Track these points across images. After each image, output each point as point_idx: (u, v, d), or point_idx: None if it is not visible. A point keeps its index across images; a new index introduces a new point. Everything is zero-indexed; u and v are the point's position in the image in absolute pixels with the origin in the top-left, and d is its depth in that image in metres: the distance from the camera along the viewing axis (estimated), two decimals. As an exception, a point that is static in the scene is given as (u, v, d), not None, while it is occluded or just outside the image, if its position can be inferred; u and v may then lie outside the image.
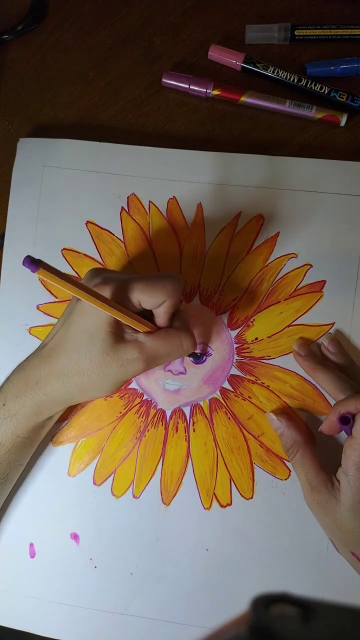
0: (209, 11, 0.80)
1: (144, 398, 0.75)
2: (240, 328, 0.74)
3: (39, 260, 0.47)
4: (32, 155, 0.78)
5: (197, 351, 0.74)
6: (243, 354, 0.74)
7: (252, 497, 0.73)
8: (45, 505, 0.75)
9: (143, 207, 0.76)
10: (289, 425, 0.70)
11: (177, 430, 0.74)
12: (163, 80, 0.78)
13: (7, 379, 0.68)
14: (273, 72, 0.76)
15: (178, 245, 0.76)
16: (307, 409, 0.73)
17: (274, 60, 0.77)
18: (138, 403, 0.75)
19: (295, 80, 0.76)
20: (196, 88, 0.77)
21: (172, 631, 0.71)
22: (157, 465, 0.74)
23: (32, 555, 0.74)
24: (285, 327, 0.74)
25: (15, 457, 0.69)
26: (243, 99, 0.76)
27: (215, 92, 0.77)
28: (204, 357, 0.74)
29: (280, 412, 0.73)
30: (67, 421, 0.75)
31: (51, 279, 0.49)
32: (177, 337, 0.64)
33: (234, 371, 0.74)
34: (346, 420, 0.64)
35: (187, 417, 0.74)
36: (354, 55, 0.77)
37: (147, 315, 0.64)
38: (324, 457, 0.68)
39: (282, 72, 0.76)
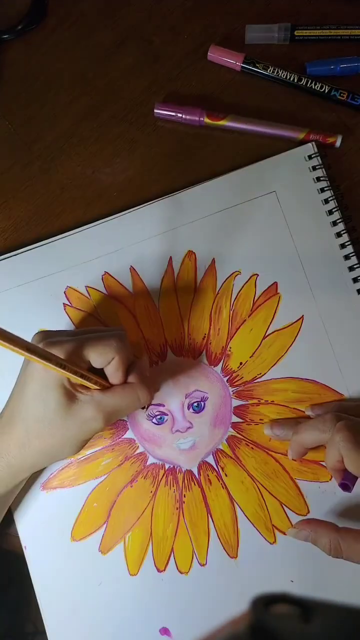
0: (209, 11, 0.81)
1: (167, 468, 0.74)
2: (222, 361, 0.74)
3: None
4: None
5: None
6: (236, 383, 0.74)
7: (308, 512, 0.72)
8: (121, 616, 0.72)
9: (82, 294, 0.76)
10: (314, 530, 0.65)
11: (211, 483, 0.73)
12: (155, 111, 0.78)
13: None
14: (273, 72, 0.77)
15: (130, 314, 0.76)
16: (317, 404, 0.72)
17: (274, 60, 0.78)
18: (163, 475, 0.74)
19: (295, 80, 0.77)
20: (188, 117, 0.77)
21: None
22: (208, 525, 0.72)
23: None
24: (261, 341, 0.74)
25: None
26: (224, 121, 0.77)
27: (208, 121, 0.77)
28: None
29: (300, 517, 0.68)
30: (105, 525, 0.73)
31: None
32: (132, 391, 0.64)
33: (236, 402, 0.74)
34: (346, 487, 0.63)
35: (215, 466, 0.73)
36: (354, 55, 0.78)
37: (99, 374, 0.64)
38: None
39: (282, 72, 0.77)
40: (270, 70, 0.77)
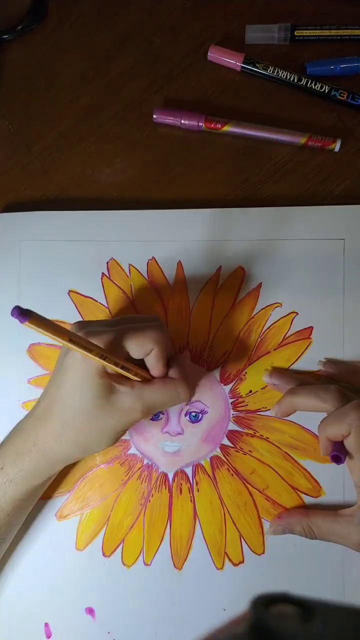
0: (208, 11, 0.80)
1: (144, 463, 0.74)
2: (234, 382, 0.74)
3: (27, 310, 0.46)
4: (8, 232, 0.78)
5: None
6: (239, 408, 0.74)
7: (263, 553, 0.72)
8: (56, 582, 0.74)
9: (123, 270, 0.76)
10: (287, 521, 0.70)
11: (181, 492, 0.73)
12: (154, 116, 0.78)
13: (4, 442, 0.67)
14: (273, 72, 0.77)
15: (162, 305, 0.76)
16: (309, 457, 0.73)
17: (274, 60, 0.77)
18: (139, 468, 0.74)
19: (295, 80, 0.77)
20: (187, 122, 0.77)
21: None
22: (165, 529, 0.73)
23: (48, 635, 0.73)
24: (277, 378, 0.74)
25: (15, 519, 0.68)
26: (226, 128, 0.77)
27: (206, 127, 0.77)
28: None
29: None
30: (69, 494, 0.74)
31: (41, 330, 0.49)
32: (172, 386, 0.64)
33: (232, 426, 0.74)
34: (338, 459, 0.62)
35: (190, 478, 0.73)
36: (354, 55, 0.78)
37: (140, 366, 0.63)
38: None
39: (282, 72, 0.77)
40: (270, 71, 0.77)
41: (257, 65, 0.77)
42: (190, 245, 0.76)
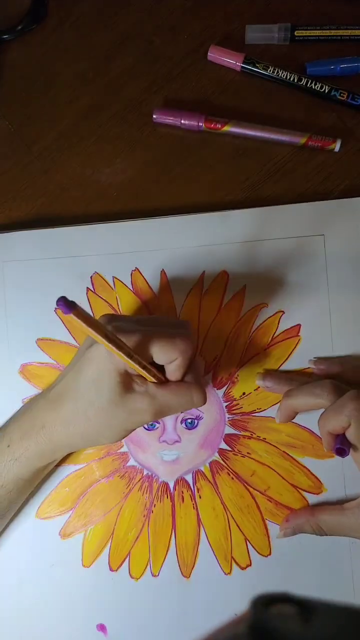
0: (208, 11, 0.80)
1: (144, 473, 0.74)
2: (226, 386, 0.74)
3: (73, 303, 0.47)
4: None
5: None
6: (234, 411, 0.74)
7: (270, 554, 0.72)
8: (65, 601, 0.73)
9: (107, 283, 0.76)
10: (295, 523, 0.71)
11: (183, 500, 0.73)
12: (154, 116, 0.78)
13: (13, 418, 0.68)
14: (273, 72, 0.77)
15: (149, 315, 0.76)
16: (308, 454, 0.73)
17: (274, 61, 0.78)
18: (140, 479, 0.74)
19: (295, 80, 0.77)
20: (187, 122, 0.77)
21: None
22: (169, 539, 0.73)
23: (62, 655, 0.72)
24: (269, 378, 0.74)
25: (16, 497, 0.69)
26: (226, 128, 0.77)
27: (206, 126, 0.77)
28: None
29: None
30: (71, 511, 0.74)
31: (81, 322, 0.49)
32: (187, 390, 0.63)
33: (228, 430, 0.74)
34: (342, 451, 0.63)
35: (191, 485, 0.73)
36: (354, 55, 0.78)
37: (156, 367, 0.63)
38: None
39: (282, 72, 0.77)
40: (270, 71, 0.77)
41: (257, 65, 0.77)
42: (172, 253, 0.76)
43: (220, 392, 0.74)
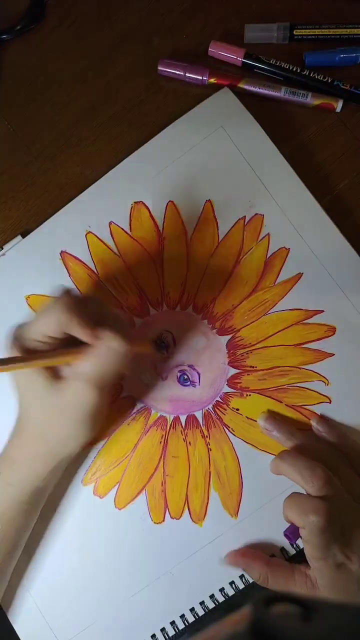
0: (208, 10, 0.81)
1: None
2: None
3: None
4: None
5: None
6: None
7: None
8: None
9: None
10: (246, 562, 0.68)
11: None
12: (159, 67, 0.79)
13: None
14: (275, 62, 0.77)
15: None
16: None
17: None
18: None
19: (298, 71, 0.77)
20: (192, 75, 0.78)
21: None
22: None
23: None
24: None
25: (21, 526, 0.68)
26: (241, 85, 0.77)
27: (212, 80, 0.78)
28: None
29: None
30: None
31: None
32: (103, 348, 0.60)
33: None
34: (288, 538, 0.64)
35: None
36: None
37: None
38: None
39: (284, 64, 0.77)
40: (273, 61, 0.77)
41: (258, 58, 0.77)
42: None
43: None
